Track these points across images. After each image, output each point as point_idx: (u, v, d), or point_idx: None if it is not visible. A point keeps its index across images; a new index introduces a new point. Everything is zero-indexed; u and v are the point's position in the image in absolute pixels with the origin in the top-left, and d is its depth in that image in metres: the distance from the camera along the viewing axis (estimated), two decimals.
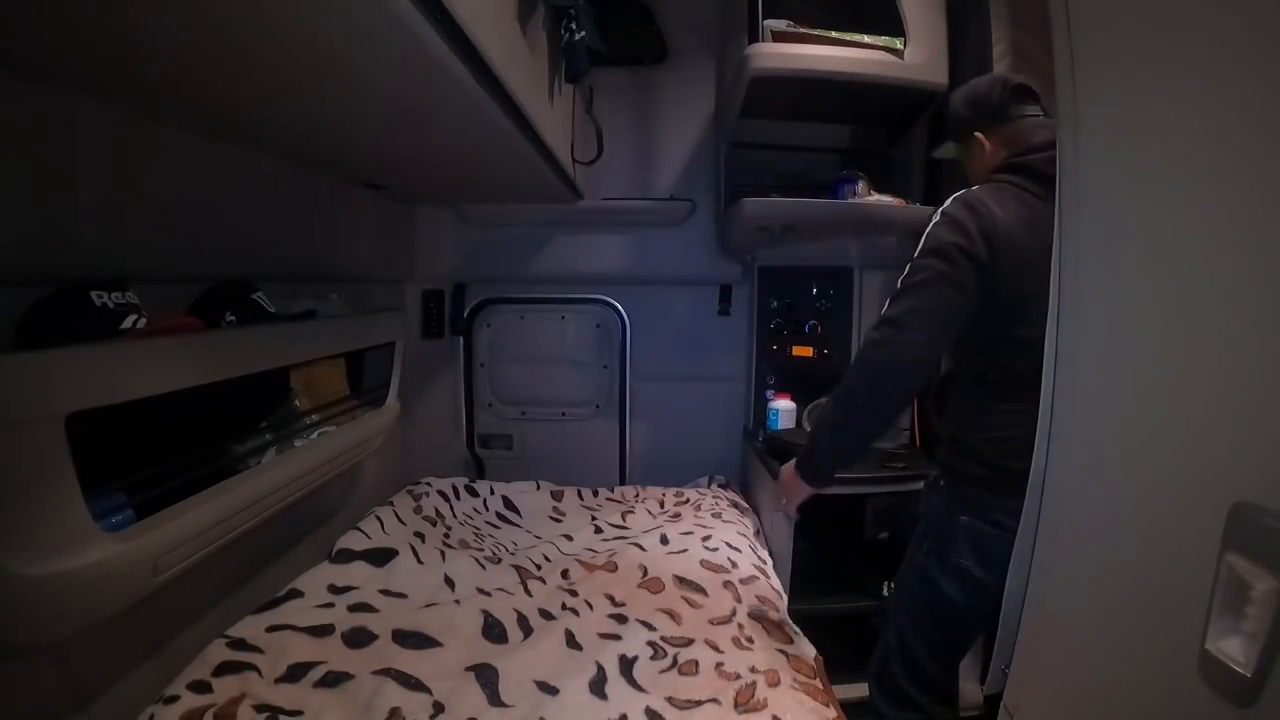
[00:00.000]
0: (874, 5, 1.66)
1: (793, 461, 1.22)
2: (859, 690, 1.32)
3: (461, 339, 2.19)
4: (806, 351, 2.05)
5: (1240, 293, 0.53)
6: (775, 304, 2.06)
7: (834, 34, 1.63)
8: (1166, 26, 0.61)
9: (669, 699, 1.03)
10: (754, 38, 1.66)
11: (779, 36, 1.62)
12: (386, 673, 1.06)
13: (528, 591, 1.36)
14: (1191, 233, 0.58)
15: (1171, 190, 0.61)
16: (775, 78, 1.62)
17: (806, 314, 2.05)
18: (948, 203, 1.12)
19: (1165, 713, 0.58)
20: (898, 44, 1.64)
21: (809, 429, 1.19)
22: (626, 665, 1.12)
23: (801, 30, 1.63)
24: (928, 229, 1.11)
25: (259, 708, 0.97)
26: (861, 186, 1.81)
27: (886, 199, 1.81)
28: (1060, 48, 0.75)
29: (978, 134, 1.23)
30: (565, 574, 1.45)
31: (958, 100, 1.28)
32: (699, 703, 1.03)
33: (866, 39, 1.64)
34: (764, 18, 1.65)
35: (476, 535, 1.69)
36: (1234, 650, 0.49)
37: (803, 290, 2.05)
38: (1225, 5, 0.55)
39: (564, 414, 2.22)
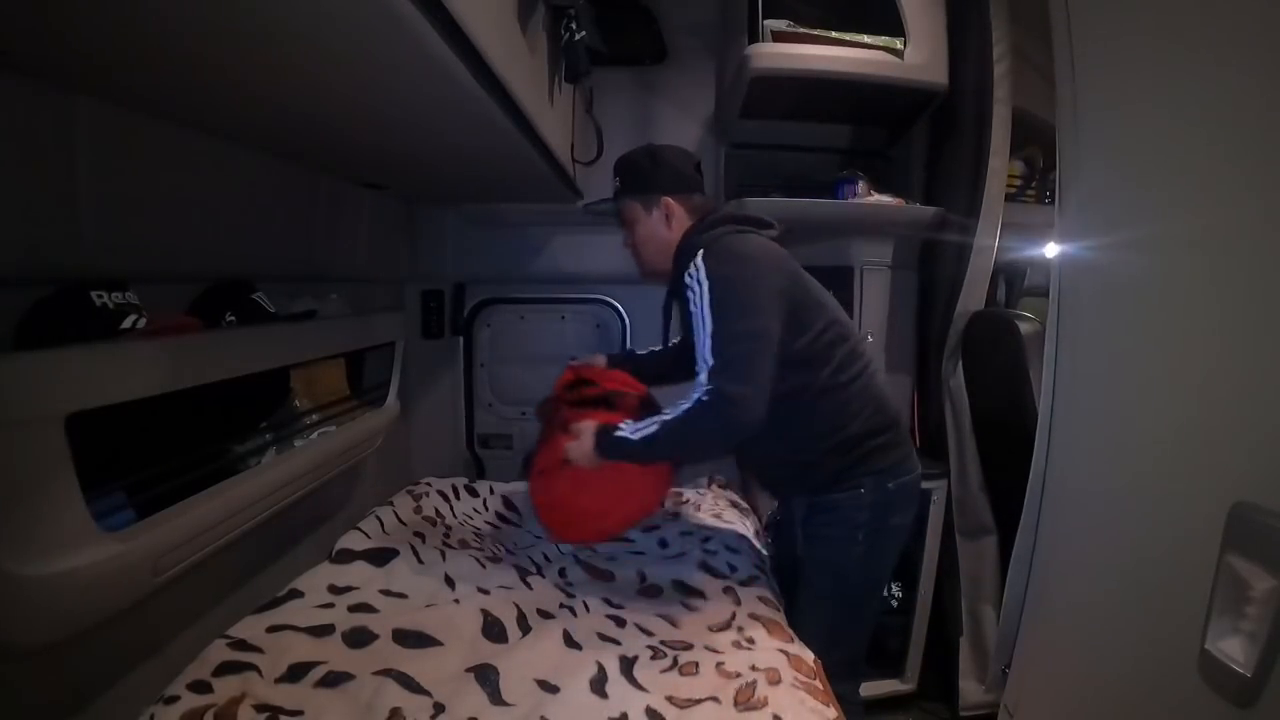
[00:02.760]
0: (874, 5, 1.66)
1: (595, 433, 1.24)
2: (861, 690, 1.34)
3: (461, 339, 2.19)
4: None
5: (1240, 293, 0.53)
6: None
7: (834, 34, 1.63)
8: (1166, 27, 0.61)
9: (669, 698, 1.03)
10: (754, 38, 1.66)
11: (779, 36, 1.62)
12: (387, 673, 1.06)
13: (527, 585, 1.36)
14: (1191, 233, 0.58)
15: (1171, 190, 0.61)
16: (775, 78, 1.62)
17: None
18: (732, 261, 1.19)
19: (1165, 713, 0.58)
20: (898, 44, 1.64)
21: (649, 432, 1.18)
22: (627, 665, 1.11)
23: (801, 30, 1.63)
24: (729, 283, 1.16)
25: (259, 707, 0.97)
26: (861, 186, 1.81)
27: (886, 199, 1.81)
28: (1060, 48, 0.76)
29: (670, 199, 1.31)
30: (563, 573, 1.45)
31: (648, 165, 1.33)
32: (699, 701, 1.03)
33: (866, 39, 1.64)
34: (764, 18, 1.65)
35: (477, 535, 1.68)
36: (1234, 650, 0.49)
37: None
38: (1224, 6, 0.55)
39: None
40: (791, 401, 1.22)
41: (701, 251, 1.20)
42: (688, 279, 1.20)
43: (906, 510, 1.32)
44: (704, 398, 1.12)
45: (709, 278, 1.17)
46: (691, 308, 1.19)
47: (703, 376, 1.13)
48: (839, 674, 1.25)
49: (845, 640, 1.33)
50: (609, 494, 1.39)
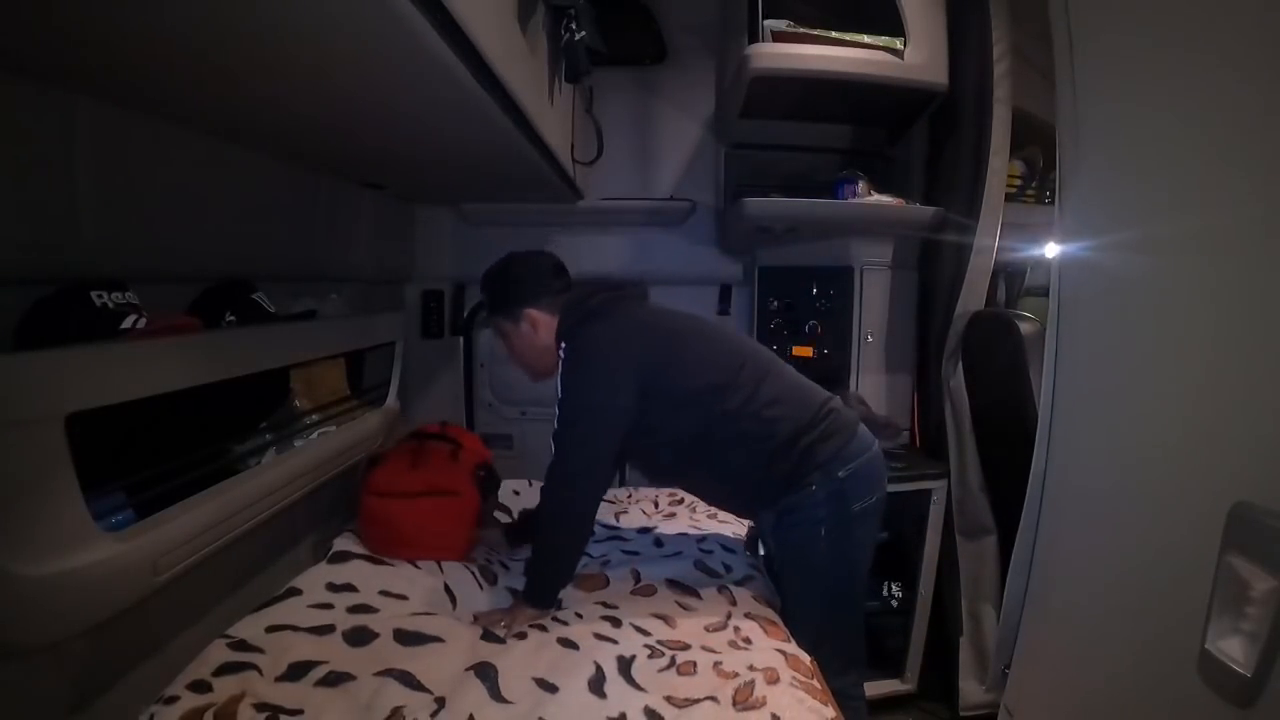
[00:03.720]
0: (874, 5, 1.66)
1: (515, 603, 1.31)
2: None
3: (461, 339, 2.19)
4: (806, 351, 2.04)
5: (1240, 293, 0.53)
6: (775, 304, 2.06)
7: (834, 34, 1.63)
8: (1166, 27, 0.61)
9: (667, 698, 1.03)
10: (754, 38, 1.66)
11: (779, 36, 1.62)
12: (388, 672, 1.06)
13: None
14: (1191, 233, 0.58)
15: (1171, 190, 0.61)
16: (775, 78, 1.62)
17: (806, 314, 2.05)
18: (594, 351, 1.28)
19: (1165, 713, 0.58)
20: (898, 44, 1.64)
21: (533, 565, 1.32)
22: (625, 665, 1.11)
23: (801, 30, 1.63)
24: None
25: (259, 706, 0.97)
26: (861, 186, 1.81)
27: (886, 199, 1.81)
28: (1060, 48, 0.76)
29: (531, 310, 1.35)
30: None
31: (511, 280, 1.39)
32: (697, 701, 1.03)
33: (866, 39, 1.64)
34: (764, 18, 1.65)
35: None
36: (1234, 650, 0.49)
37: (803, 290, 2.05)
38: (1224, 6, 0.55)
39: None
40: (712, 438, 1.29)
41: (564, 345, 1.30)
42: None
43: (867, 492, 1.31)
44: (543, 500, 1.30)
45: (562, 368, 1.28)
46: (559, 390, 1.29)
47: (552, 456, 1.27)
48: (835, 669, 1.25)
49: (834, 634, 1.33)
50: (428, 532, 1.51)
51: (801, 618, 1.31)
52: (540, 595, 1.29)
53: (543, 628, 1.25)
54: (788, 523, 1.30)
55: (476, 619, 1.28)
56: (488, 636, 1.20)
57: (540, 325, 1.35)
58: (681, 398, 1.26)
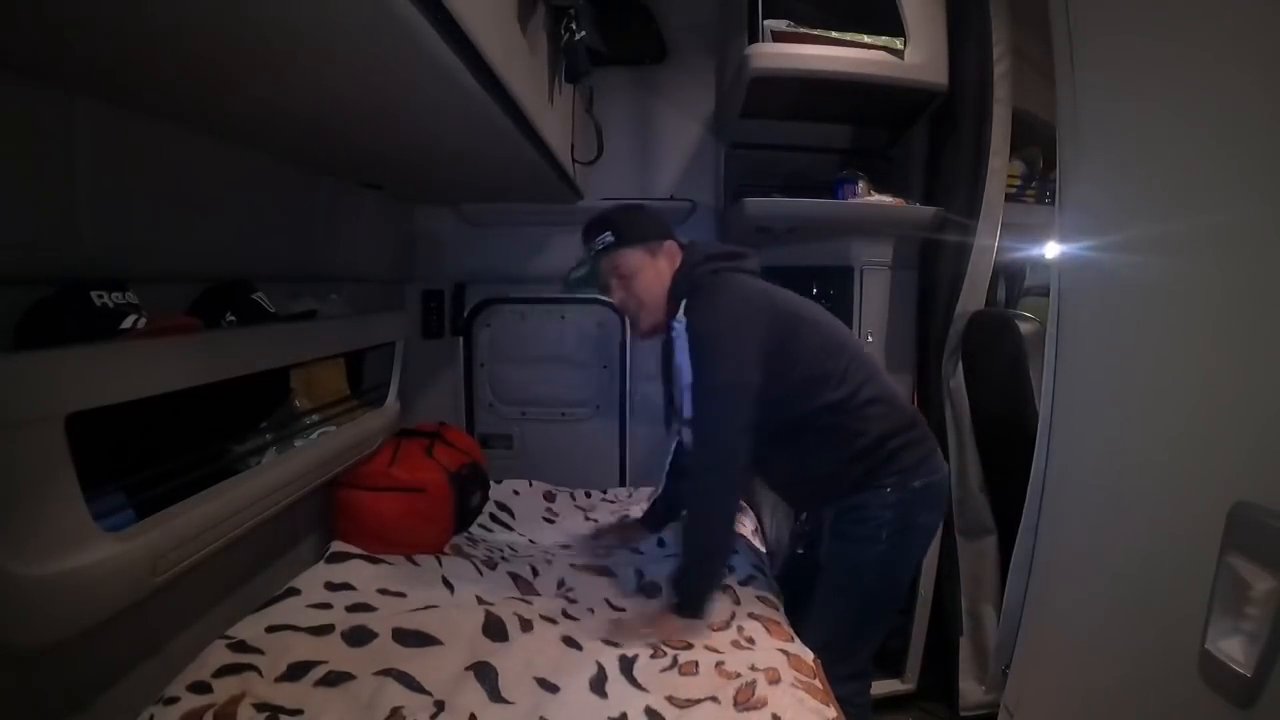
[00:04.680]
0: (874, 5, 1.66)
1: (662, 613, 1.24)
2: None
3: (461, 339, 2.19)
4: None
5: (1240, 293, 0.53)
6: None
7: (834, 34, 1.63)
8: (1166, 27, 0.61)
9: (669, 698, 1.03)
10: (754, 38, 1.66)
11: (779, 36, 1.62)
12: (387, 672, 1.06)
13: (526, 600, 1.35)
14: (1191, 233, 0.58)
15: (1171, 189, 0.61)
16: (775, 78, 1.62)
17: None
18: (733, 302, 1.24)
19: (1165, 713, 0.58)
20: (898, 44, 1.64)
21: (685, 564, 1.25)
22: (627, 664, 1.12)
23: (801, 30, 1.63)
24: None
25: (259, 707, 0.97)
26: (861, 186, 1.81)
27: (886, 199, 1.81)
28: (1060, 48, 0.76)
29: (671, 243, 1.33)
30: (561, 583, 1.44)
31: (645, 214, 1.37)
32: (698, 701, 1.03)
33: (866, 39, 1.64)
34: (764, 18, 1.65)
35: (470, 540, 1.68)
36: (1234, 650, 0.49)
37: (803, 290, 2.02)
38: (1224, 6, 0.55)
39: (564, 414, 2.22)
40: (804, 425, 1.25)
41: (684, 302, 1.24)
42: (675, 327, 1.24)
43: (932, 511, 1.30)
44: (693, 483, 1.24)
45: (689, 331, 1.21)
46: (678, 356, 1.23)
47: (688, 439, 1.20)
48: (846, 673, 1.25)
49: (853, 639, 1.31)
50: (391, 527, 1.53)
51: (828, 610, 1.30)
52: (697, 602, 1.22)
53: (552, 622, 1.25)
54: (850, 518, 1.28)
55: (613, 632, 1.21)
56: (488, 634, 1.19)
57: (675, 262, 1.32)
58: (788, 381, 1.22)
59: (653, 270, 1.31)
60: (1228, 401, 0.53)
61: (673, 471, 1.61)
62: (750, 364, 1.18)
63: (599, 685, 1.06)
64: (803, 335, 1.26)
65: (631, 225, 1.32)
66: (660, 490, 1.65)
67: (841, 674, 1.24)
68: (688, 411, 1.19)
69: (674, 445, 1.59)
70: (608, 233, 1.32)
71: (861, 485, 1.25)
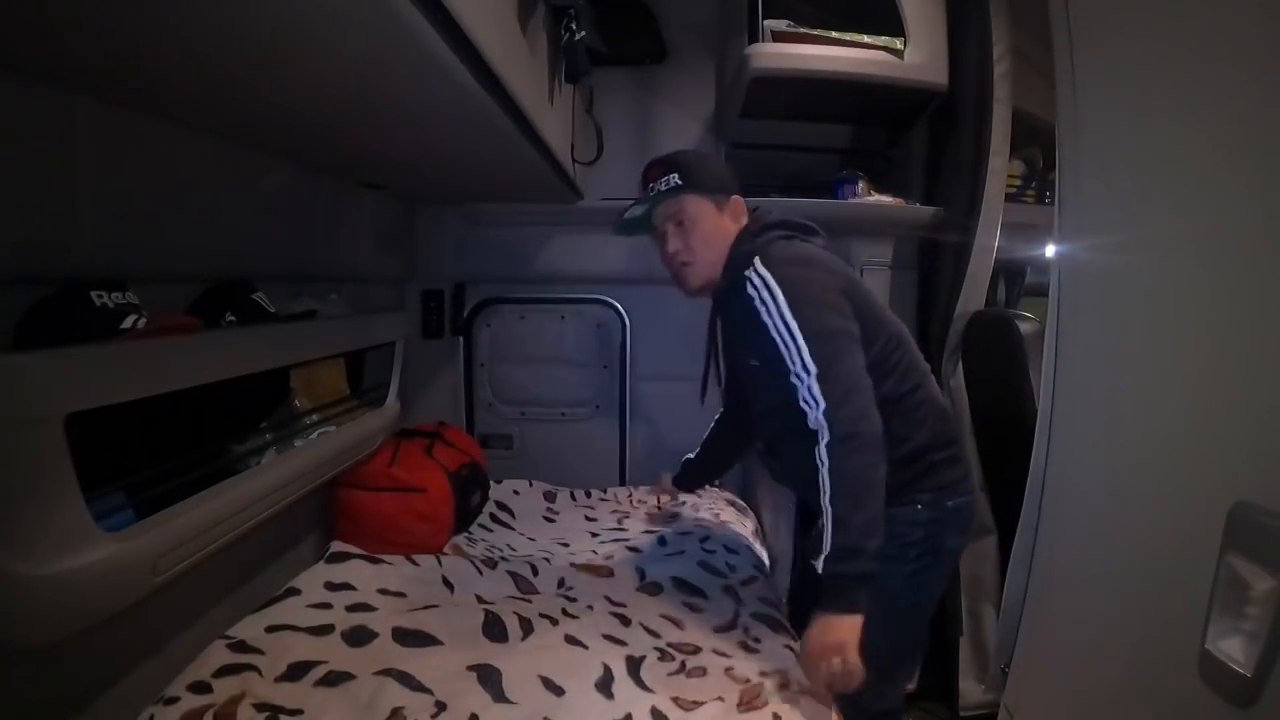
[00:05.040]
0: (874, 5, 1.66)
1: (829, 618, 1.00)
2: None
3: (461, 339, 2.19)
4: None
5: (1240, 292, 0.53)
6: None
7: (834, 34, 1.63)
8: (1166, 27, 0.61)
9: (675, 699, 1.03)
10: (754, 38, 1.66)
11: (779, 36, 1.62)
12: (388, 672, 1.06)
13: (526, 599, 1.36)
14: (1191, 232, 0.58)
15: (1171, 189, 0.61)
16: (775, 78, 1.62)
17: None
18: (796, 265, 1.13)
19: (1165, 713, 0.58)
20: (898, 44, 1.64)
21: (834, 538, 1.00)
22: (634, 665, 1.11)
23: (801, 30, 1.63)
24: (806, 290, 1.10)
25: (259, 707, 0.97)
26: (861, 186, 1.81)
27: (886, 199, 1.81)
28: (1060, 48, 0.76)
29: (738, 198, 1.24)
30: (561, 583, 1.44)
31: (715, 162, 1.30)
32: (703, 702, 1.03)
33: (866, 39, 1.64)
34: (764, 18, 1.65)
35: (469, 539, 1.68)
36: (1234, 650, 0.49)
37: None
38: (1224, 7, 0.55)
39: (564, 414, 2.22)
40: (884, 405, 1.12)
41: (758, 258, 1.12)
42: (751, 289, 1.11)
43: (961, 534, 1.21)
44: (832, 442, 1.01)
45: (778, 281, 1.08)
46: (764, 318, 1.08)
47: (811, 394, 1.03)
48: (876, 713, 1.18)
49: (889, 669, 1.17)
50: (390, 526, 1.53)
51: (865, 645, 1.07)
52: (854, 588, 1.00)
53: (553, 621, 1.24)
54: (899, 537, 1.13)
55: (811, 676, 1.03)
56: (489, 635, 1.19)
57: (739, 218, 1.23)
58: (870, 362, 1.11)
59: (716, 223, 1.21)
60: (1227, 401, 0.53)
61: (716, 438, 1.56)
62: (848, 314, 1.09)
63: (605, 686, 1.06)
64: (872, 317, 1.15)
65: (702, 171, 1.22)
66: (698, 453, 1.60)
67: (875, 711, 1.16)
68: (809, 368, 1.04)
69: (720, 416, 1.55)
70: (674, 174, 1.21)
71: (893, 499, 1.07)
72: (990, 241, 1.73)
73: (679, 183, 1.20)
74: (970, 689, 1.85)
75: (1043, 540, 0.84)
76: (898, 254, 1.94)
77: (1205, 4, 0.56)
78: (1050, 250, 1.60)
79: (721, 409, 1.55)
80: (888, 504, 1.05)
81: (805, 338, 1.04)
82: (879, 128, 2.03)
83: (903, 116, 1.90)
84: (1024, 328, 1.66)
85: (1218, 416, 0.54)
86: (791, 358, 1.06)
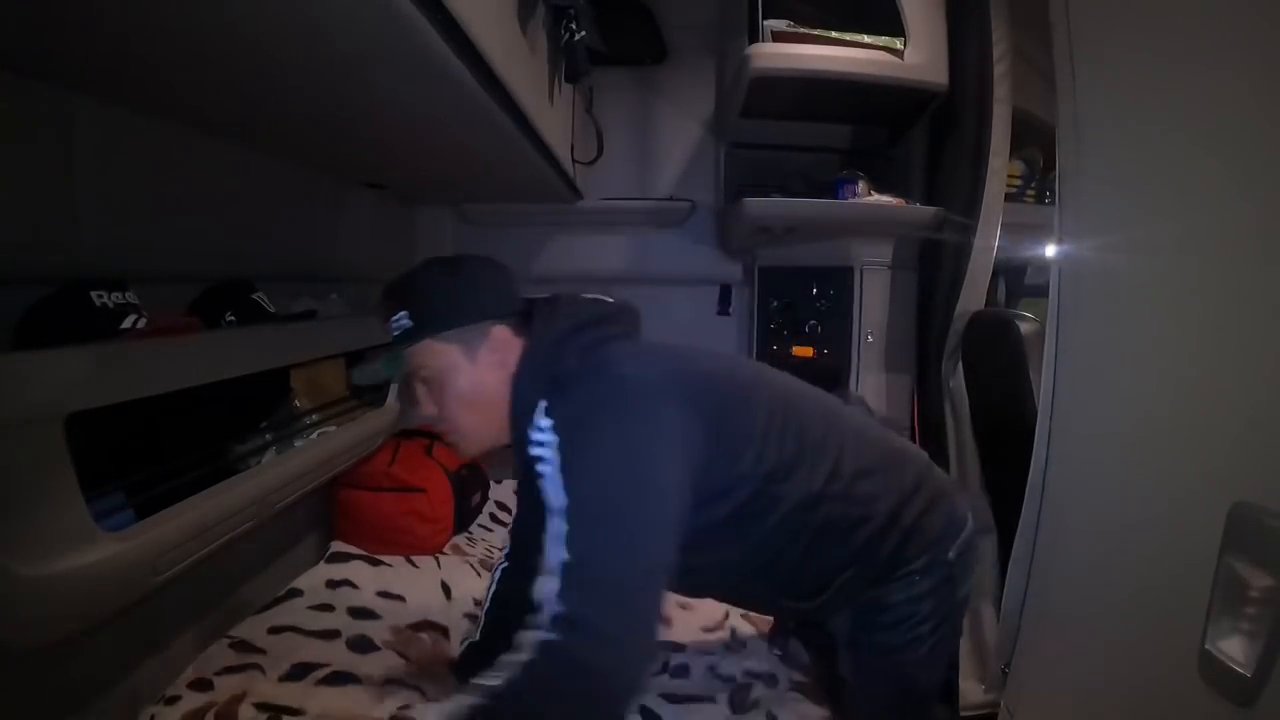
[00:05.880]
0: (874, 5, 1.65)
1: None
2: None
3: None
4: (807, 351, 2.04)
5: (1240, 292, 0.53)
6: (775, 304, 2.06)
7: (834, 34, 1.63)
8: (1166, 28, 0.61)
9: (663, 695, 1.04)
10: (754, 38, 1.66)
11: (779, 36, 1.62)
12: (388, 673, 1.06)
13: None
14: (1191, 233, 0.58)
15: (1171, 190, 0.61)
16: (775, 78, 1.62)
17: (806, 314, 2.04)
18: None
19: (1165, 713, 0.58)
20: (898, 44, 1.64)
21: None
22: None
23: (801, 30, 1.63)
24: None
25: (261, 706, 0.97)
26: (861, 186, 1.81)
27: (886, 199, 1.81)
28: (1060, 48, 0.76)
29: (498, 328, 0.89)
30: None
31: (466, 280, 0.93)
32: (695, 698, 1.03)
33: (866, 39, 1.64)
34: (764, 18, 1.64)
35: (469, 540, 1.69)
36: (1234, 650, 0.49)
37: (803, 290, 2.05)
38: (1224, 7, 0.55)
39: None
40: (779, 537, 0.87)
41: (544, 403, 0.82)
42: (533, 443, 0.81)
43: (970, 574, 0.97)
44: (550, 644, 0.67)
45: (560, 444, 0.77)
46: (541, 481, 0.78)
47: (549, 592, 0.70)
48: None
49: None
50: (390, 526, 1.52)
51: None
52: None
53: None
54: (878, 623, 0.92)
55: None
56: None
57: (510, 357, 0.88)
58: (741, 483, 0.84)
59: (471, 376, 0.87)
60: (1228, 401, 0.53)
61: (497, 606, 1.07)
62: (671, 486, 0.76)
63: None
64: (747, 412, 0.86)
65: (439, 302, 0.89)
66: (480, 628, 1.08)
67: None
68: (560, 560, 0.71)
69: (498, 573, 1.09)
70: (404, 312, 0.89)
71: (880, 579, 0.91)
72: (990, 241, 1.73)
73: (408, 324, 0.89)
74: (970, 689, 1.84)
75: (1043, 540, 0.84)
76: (898, 254, 1.94)
77: (1204, 5, 0.56)
78: (1050, 250, 1.60)
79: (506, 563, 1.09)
80: (874, 587, 0.90)
81: (575, 518, 0.73)
82: (879, 128, 2.03)
83: (903, 116, 1.90)
84: (1024, 328, 1.66)
85: (1217, 416, 0.54)
86: (551, 539, 0.74)
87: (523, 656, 0.68)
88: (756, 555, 0.89)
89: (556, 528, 0.73)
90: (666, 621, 0.90)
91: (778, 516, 0.85)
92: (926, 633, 0.91)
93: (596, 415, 0.79)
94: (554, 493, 0.76)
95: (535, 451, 0.80)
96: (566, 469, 0.76)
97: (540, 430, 0.81)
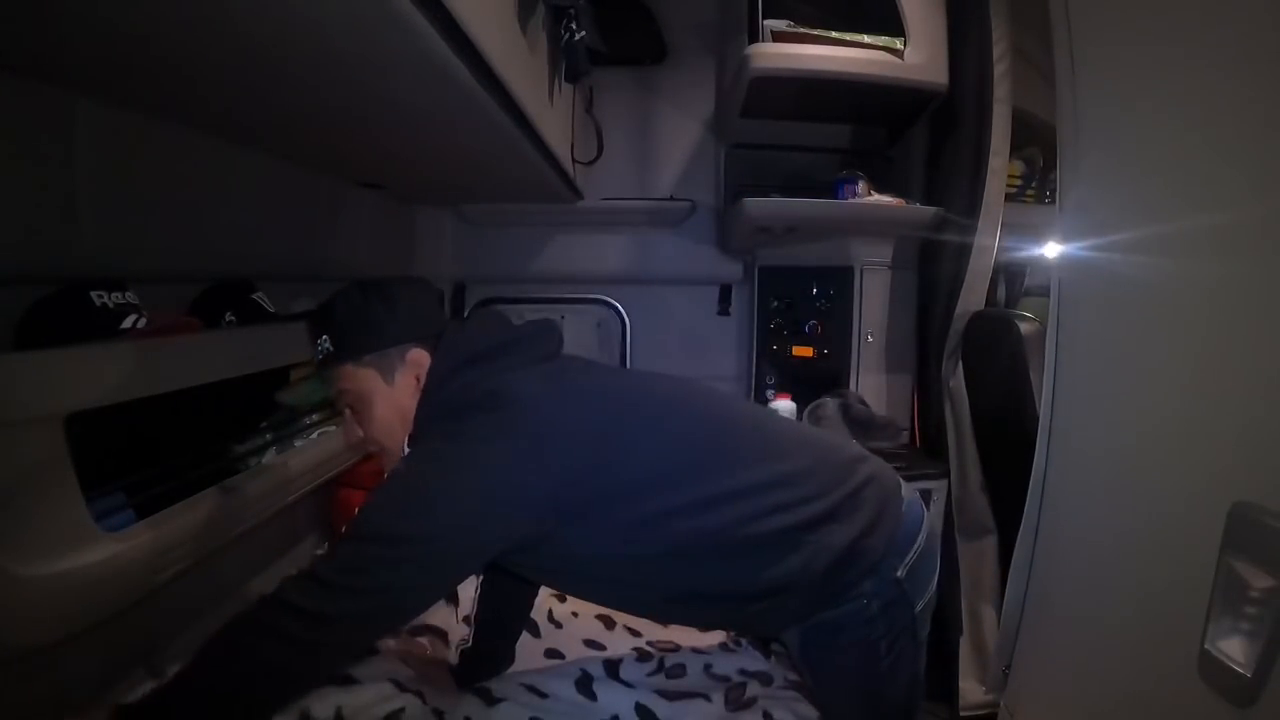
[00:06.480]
0: (874, 5, 1.65)
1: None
2: None
3: None
4: (806, 351, 2.04)
5: (1240, 292, 0.53)
6: (775, 304, 2.06)
7: (834, 34, 1.63)
8: (1166, 27, 0.61)
9: (659, 692, 1.04)
10: (754, 38, 1.66)
11: (779, 36, 1.62)
12: (386, 674, 1.06)
13: None
14: (1191, 233, 0.58)
15: (1171, 190, 0.61)
16: (775, 78, 1.62)
17: (806, 314, 2.05)
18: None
19: (1165, 713, 0.58)
20: (898, 44, 1.64)
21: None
22: (612, 668, 1.12)
23: (801, 30, 1.63)
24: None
25: None
26: (861, 186, 1.81)
27: (886, 199, 1.81)
28: (1060, 48, 0.76)
29: (416, 349, 0.89)
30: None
31: (383, 301, 0.90)
32: (690, 695, 1.03)
33: (866, 39, 1.64)
34: (764, 18, 1.65)
35: None
36: (1234, 650, 0.49)
37: (803, 290, 2.05)
38: (1224, 7, 0.55)
39: None
40: (707, 547, 0.84)
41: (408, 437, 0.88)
42: None
43: (929, 580, 0.95)
44: (258, 614, 0.75)
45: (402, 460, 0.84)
46: None
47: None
48: None
49: None
50: None
51: None
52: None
53: (534, 633, 1.24)
54: (828, 645, 0.91)
55: None
56: None
57: (423, 374, 0.89)
58: (640, 519, 0.82)
59: (389, 399, 0.89)
60: (1228, 402, 0.53)
61: (486, 608, 1.12)
62: (468, 539, 0.78)
63: (586, 687, 1.06)
64: (635, 447, 0.85)
65: (356, 327, 0.89)
66: (473, 631, 1.13)
67: None
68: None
69: (481, 585, 1.12)
70: (326, 336, 0.89)
71: (825, 601, 0.88)
72: (990, 241, 1.73)
73: (330, 349, 0.89)
74: (970, 689, 1.85)
75: (1043, 541, 0.84)
76: (898, 254, 1.94)
77: (1205, 5, 0.56)
78: (1050, 250, 1.60)
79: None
80: (824, 609, 0.88)
81: (353, 532, 0.77)
82: (879, 128, 2.03)
83: (903, 116, 1.90)
84: (1024, 328, 1.66)
85: (1217, 416, 0.54)
86: None
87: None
88: (657, 587, 0.88)
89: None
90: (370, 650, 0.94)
91: (669, 551, 0.84)
92: (884, 650, 0.89)
93: (430, 450, 0.82)
94: None
95: None
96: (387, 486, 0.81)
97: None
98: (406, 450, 0.88)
